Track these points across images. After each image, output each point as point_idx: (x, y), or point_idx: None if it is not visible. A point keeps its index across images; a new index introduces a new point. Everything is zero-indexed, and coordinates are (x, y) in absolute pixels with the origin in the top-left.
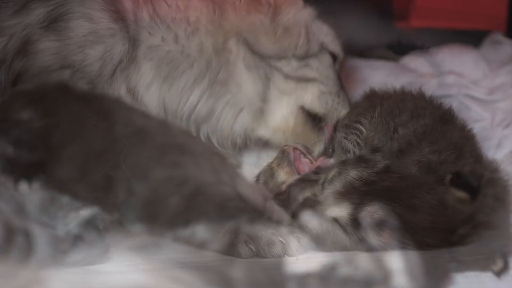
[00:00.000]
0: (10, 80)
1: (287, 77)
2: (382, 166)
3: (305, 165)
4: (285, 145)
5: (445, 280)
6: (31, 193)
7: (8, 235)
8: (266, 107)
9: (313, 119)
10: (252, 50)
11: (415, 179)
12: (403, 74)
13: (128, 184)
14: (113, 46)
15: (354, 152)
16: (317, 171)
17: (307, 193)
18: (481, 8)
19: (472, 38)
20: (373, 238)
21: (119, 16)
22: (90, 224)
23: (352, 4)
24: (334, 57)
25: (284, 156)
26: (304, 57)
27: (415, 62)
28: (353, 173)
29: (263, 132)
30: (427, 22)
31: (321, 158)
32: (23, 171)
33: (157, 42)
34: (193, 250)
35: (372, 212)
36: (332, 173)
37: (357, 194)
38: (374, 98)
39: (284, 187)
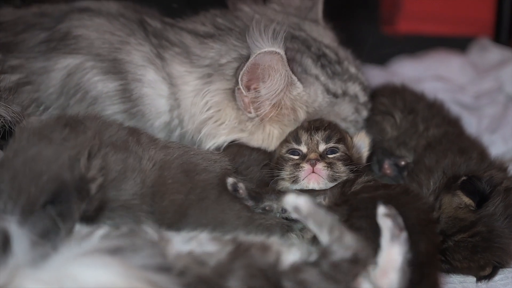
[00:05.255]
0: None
1: None
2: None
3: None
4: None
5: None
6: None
7: None
8: None
9: None
10: None
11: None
12: (390, 79)
13: None
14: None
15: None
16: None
17: None
18: (468, 12)
19: (459, 43)
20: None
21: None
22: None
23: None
24: None
25: None
26: None
27: (402, 66)
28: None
29: None
30: (414, 27)
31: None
32: None
33: None
34: (170, 254)
35: None
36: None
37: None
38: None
39: None
